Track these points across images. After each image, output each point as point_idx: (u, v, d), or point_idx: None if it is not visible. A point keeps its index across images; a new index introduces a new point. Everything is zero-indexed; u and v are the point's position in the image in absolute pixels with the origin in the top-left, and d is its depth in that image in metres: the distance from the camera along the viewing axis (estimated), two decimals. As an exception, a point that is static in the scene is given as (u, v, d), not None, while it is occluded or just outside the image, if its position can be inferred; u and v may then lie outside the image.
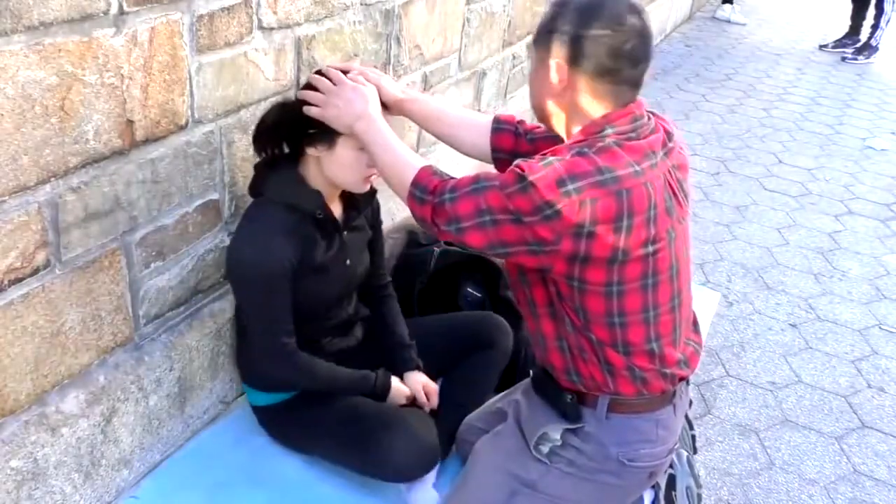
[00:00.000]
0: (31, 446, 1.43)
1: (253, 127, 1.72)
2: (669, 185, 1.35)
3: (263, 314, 1.59)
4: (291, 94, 1.79)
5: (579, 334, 1.38)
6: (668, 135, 1.40)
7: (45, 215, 1.34)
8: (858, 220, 3.97)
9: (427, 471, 1.69)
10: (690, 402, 1.64)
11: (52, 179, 1.33)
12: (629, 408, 1.43)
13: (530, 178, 1.24)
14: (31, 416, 1.44)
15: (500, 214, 1.27)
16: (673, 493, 1.70)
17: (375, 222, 1.86)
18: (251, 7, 1.66)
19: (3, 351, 1.35)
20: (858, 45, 6.76)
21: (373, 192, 1.71)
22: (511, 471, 1.49)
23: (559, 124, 1.41)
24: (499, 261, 2.13)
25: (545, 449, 1.46)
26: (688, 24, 7.43)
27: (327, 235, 1.66)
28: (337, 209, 1.70)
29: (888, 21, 6.49)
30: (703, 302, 2.53)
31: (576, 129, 1.37)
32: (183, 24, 1.50)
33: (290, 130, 1.60)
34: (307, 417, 1.73)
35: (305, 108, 1.54)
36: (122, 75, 1.40)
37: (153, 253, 1.61)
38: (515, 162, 1.29)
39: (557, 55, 1.32)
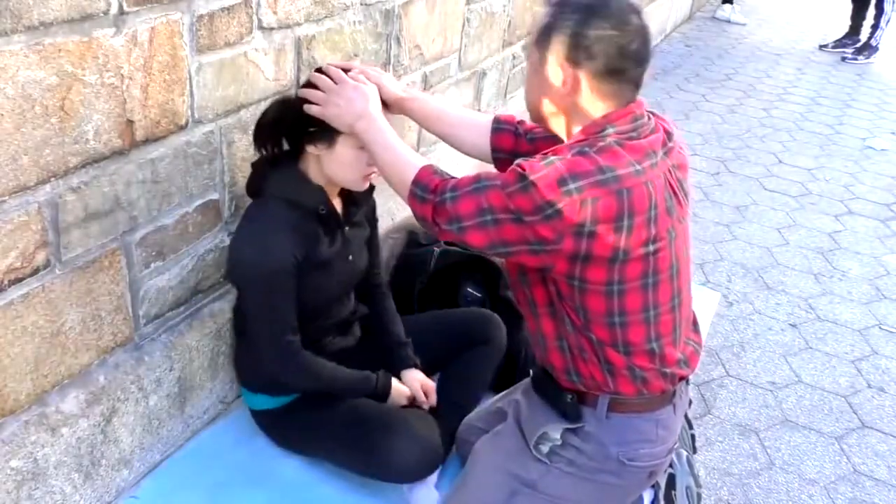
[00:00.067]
0: (31, 446, 1.43)
1: (253, 127, 1.72)
2: (670, 184, 1.35)
3: (268, 313, 1.59)
4: (291, 94, 1.79)
5: (579, 334, 1.38)
6: (668, 134, 1.40)
7: (45, 215, 1.34)
8: (858, 220, 3.97)
9: (430, 472, 1.69)
10: (690, 402, 1.64)
11: (52, 179, 1.33)
12: (629, 407, 1.43)
13: (531, 177, 1.24)
14: (31, 416, 1.44)
15: (502, 214, 1.27)
16: (673, 492, 1.70)
17: (372, 219, 1.87)
18: (251, 7, 1.66)
19: (3, 351, 1.35)
20: (858, 45, 6.77)
21: (371, 188, 1.72)
22: (511, 471, 1.49)
23: (558, 125, 1.40)
24: (499, 261, 2.13)
25: (545, 449, 1.46)
26: (688, 24, 7.43)
27: (330, 231, 1.66)
28: (337, 205, 1.70)
29: (888, 21, 6.49)
30: (703, 302, 2.54)
31: (576, 129, 1.37)
32: (183, 24, 1.50)
33: (290, 128, 1.61)
34: (308, 421, 1.73)
35: (306, 107, 1.54)
36: (122, 75, 1.40)
37: (153, 253, 1.61)
38: (516, 161, 1.28)
39: (561, 55, 1.31)
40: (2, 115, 1.21)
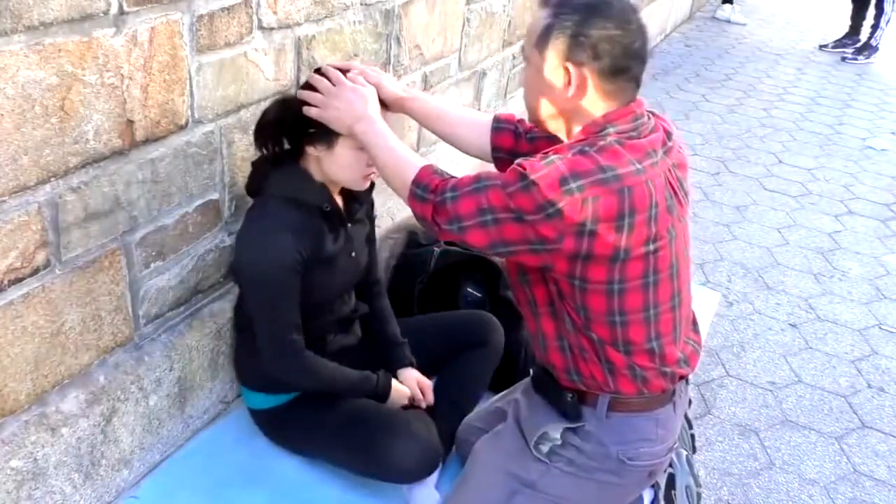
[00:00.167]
0: (31, 446, 1.43)
1: (253, 126, 1.72)
2: (670, 183, 1.35)
3: (270, 313, 1.59)
4: (291, 94, 1.79)
5: (580, 333, 1.38)
6: (668, 134, 1.40)
7: (45, 215, 1.34)
8: (858, 220, 3.97)
9: (429, 472, 1.69)
10: (690, 402, 1.65)
11: (52, 179, 1.33)
12: (629, 407, 1.43)
13: (532, 176, 1.24)
14: (31, 416, 1.44)
15: (502, 213, 1.27)
16: (672, 492, 1.70)
17: (370, 216, 1.87)
18: (251, 7, 1.66)
19: (3, 351, 1.35)
20: (858, 45, 6.77)
21: (371, 186, 1.72)
22: (511, 470, 1.49)
23: (559, 126, 1.40)
24: (499, 261, 2.13)
25: (545, 448, 1.46)
26: (688, 24, 7.43)
27: (334, 228, 1.67)
28: (339, 202, 1.71)
29: (888, 21, 6.49)
30: (703, 302, 2.53)
31: (576, 129, 1.37)
32: (183, 24, 1.50)
33: (290, 128, 1.61)
34: (307, 421, 1.73)
35: (305, 109, 1.55)
36: (122, 75, 1.40)
37: (153, 253, 1.61)
38: (517, 161, 1.28)
39: (562, 56, 1.31)
40: (2, 115, 1.21)
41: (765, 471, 2.31)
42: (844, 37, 6.91)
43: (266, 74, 1.77)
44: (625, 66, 1.31)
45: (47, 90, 1.27)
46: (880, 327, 3.09)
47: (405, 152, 1.46)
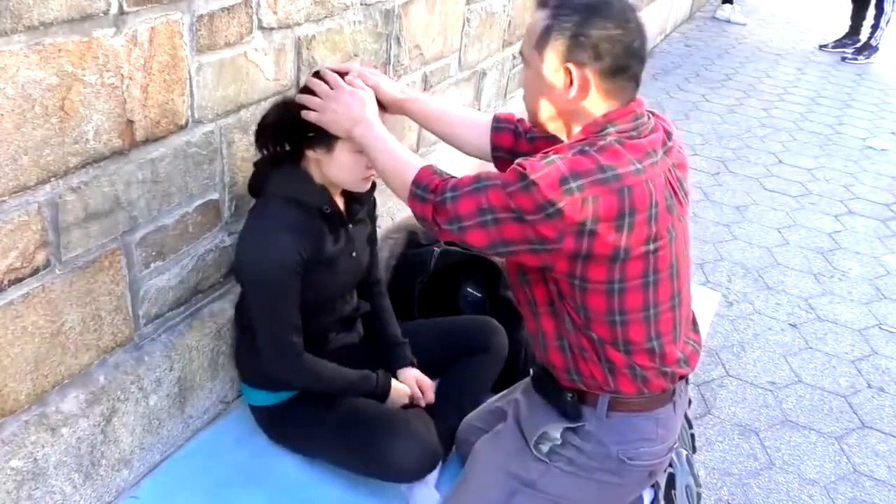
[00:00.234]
0: (31, 446, 1.43)
1: (253, 127, 1.72)
2: (670, 183, 1.35)
3: (271, 313, 1.60)
4: (291, 94, 1.79)
5: (580, 333, 1.38)
6: (668, 134, 1.40)
7: (45, 215, 1.34)
8: (858, 220, 3.97)
9: (429, 471, 1.69)
10: (690, 401, 1.65)
11: (52, 179, 1.33)
12: (629, 406, 1.43)
13: (532, 176, 1.24)
14: (31, 416, 1.44)
15: (502, 213, 1.27)
16: (672, 492, 1.70)
17: (372, 216, 1.87)
18: (251, 7, 1.66)
19: (3, 351, 1.35)
20: (858, 45, 6.77)
21: (373, 186, 1.72)
22: (511, 470, 1.49)
23: (559, 126, 1.40)
24: (499, 261, 2.13)
25: (545, 448, 1.46)
26: (688, 24, 7.43)
27: (335, 229, 1.68)
28: (340, 203, 1.72)
29: (888, 21, 6.49)
30: (703, 302, 2.53)
31: (577, 129, 1.37)
32: (183, 24, 1.50)
33: (290, 131, 1.61)
34: (307, 419, 1.74)
35: (304, 113, 1.55)
36: (122, 75, 1.40)
37: (153, 253, 1.61)
38: (517, 161, 1.28)
39: (563, 57, 1.31)
40: (2, 115, 1.21)
41: (765, 471, 2.31)
42: (844, 37, 6.91)
43: (266, 74, 1.77)
44: (625, 65, 1.31)
45: (47, 90, 1.27)
46: (880, 327, 3.09)
47: (404, 154, 1.46)
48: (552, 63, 1.32)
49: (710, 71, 6.10)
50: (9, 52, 1.19)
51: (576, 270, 1.30)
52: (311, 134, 1.57)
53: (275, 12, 1.73)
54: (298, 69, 1.87)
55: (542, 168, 1.25)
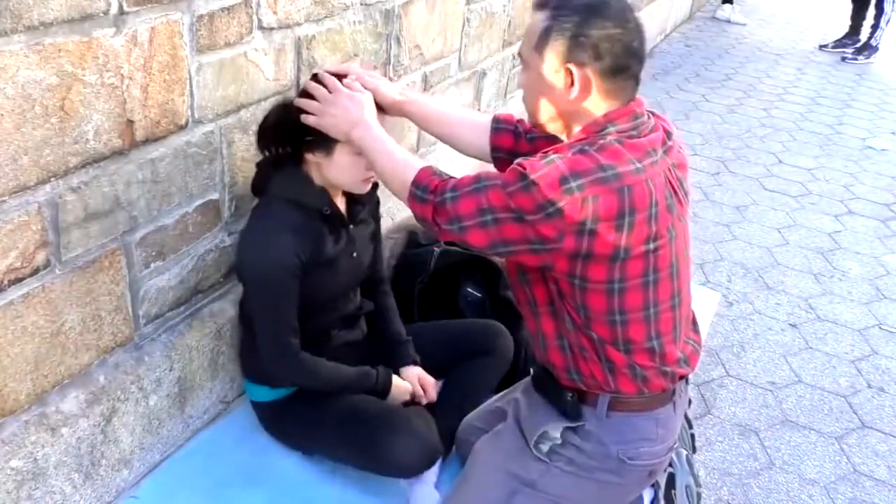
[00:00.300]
0: (31, 446, 1.43)
1: (253, 127, 1.73)
2: (670, 182, 1.35)
3: (271, 313, 1.60)
4: (291, 95, 1.79)
5: (580, 332, 1.38)
6: (668, 134, 1.40)
7: (45, 215, 1.34)
8: (858, 220, 3.97)
9: (428, 467, 1.70)
10: (690, 401, 1.65)
11: (52, 179, 1.33)
12: (629, 406, 1.43)
13: (532, 176, 1.24)
14: (31, 416, 1.44)
15: (502, 213, 1.27)
16: (672, 491, 1.70)
17: (375, 215, 1.88)
18: (251, 7, 1.66)
19: (3, 351, 1.35)
20: (858, 45, 6.77)
21: (375, 185, 1.73)
22: (511, 470, 1.49)
23: (560, 127, 1.40)
24: (499, 260, 2.13)
25: (545, 447, 1.46)
26: (688, 24, 7.43)
27: (335, 230, 1.68)
28: (341, 204, 1.72)
29: (888, 21, 6.49)
30: (703, 302, 2.53)
31: (577, 129, 1.37)
32: (183, 24, 1.50)
33: (289, 134, 1.62)
34: (307, 415, 1.74)
35: (303, 117, 1.56)
36: (122, 75, 1.40)
37: (153, 253, 1.61)
38: (517, 160, 1.29)
39: (563, 58, 1.30)
40: (2, 115, 1.21)
41: (765, 471, 2.31)
42: (844, 37, 6.91)
43: (266, 74, 1.77)
44: (625, 64, 1.31)
45: (47, 90, 1.27)
46: (880, 327, 3.09)
47: (403, 155, 1.46)
48: (552, 64, 1.32)
49: (710, 71, 6.10)
50: (9, 52, 1.19)
51: (576, 270, 1.30)
52: (309, 138, 1.58)
53: (275, 12, 1.73)
54: (298, 69, 1.87)
55: (542, 168, 1.25)
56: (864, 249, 3.68)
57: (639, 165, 1.28)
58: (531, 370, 1.66)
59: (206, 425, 1.87)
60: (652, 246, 1.30)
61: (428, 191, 1.35)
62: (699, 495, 1.81)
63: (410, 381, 1.83)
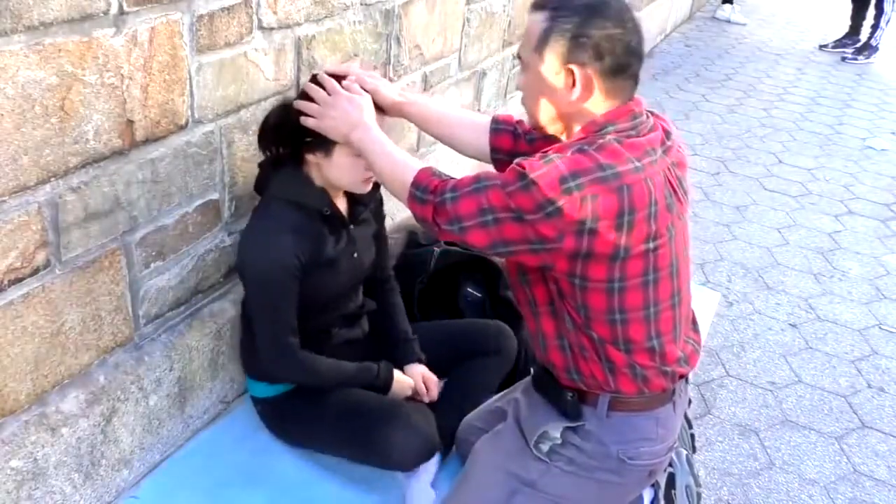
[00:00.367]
0: (31, 446, 1.43)
1: (253, 127, 1.73)
2: (669, 181, 1.35)
3: (271, 313, 1.61)
4: (291, 94, 1.79)
5: (580, 332, 1.38)
6: (667, 133, 1.40)
7: (45, 215, 1.34)
8: (858, 220, 3.97)
9: (427, 459, 1.71)
10: (690, 401, 1.65)
11: (52, 179, 1.33)
12: (629, 406, 1.43)
13: (531, 175, 1.24)
14: (31, 416, 1.44)
15: (502, 213, 1.27)
16: (672, 491, 1.70)
17: (379, 214, 1.88)
18: (251, 7, 1.66)
19: (3, 351, 1.35)
20: (858, 45, 6.77)
21: (376, 185, 1.73)
22: (511, 470, 1.49)
23: (560, 128, 1.40)
24: (499, 260, 2.14)
25: (545, 447, 1.46)
26: (688, 24, 7.43)
27: (335, 231, 1.68)
28: (342, 204, 1.72)
29: (888, 21, 6.49)
30: (703, 302, 2.53)
31: (577, 129, 1.37)
32: (183, 24, 1.50)
33: (289, 135, 1.62)
34: (307, 410, 1.74)
35: (302, 120, 1.56)
36: (122, 75, 1.40)
37: (153, 253, 1.61)
38: (516, 160, 1.29)
39: (564, 58, 1.30)
40: (2, 115, 1.21)
41: (765, 471, 2.31)
42: (844, 37, 6.91)
43: (266, 74, 1.77)
44: (625, 64, 1.32)
45: (47, 90, 1.27)
46: (880, 327, 3.10)
47: (403, 157, 1.46)
48: (553, 65, 1.32)
49: (710, 71, 6.10)
50: (9, 52, 1.19)
51: (576, 269, 1.30)
52: (308, 138, 1.58)
53: (275, 12, 1.73)
54: (298, 69, 1.87)
55: (542, 167, 1.25)
56: (864, 249, 3.69)
57: (638, 164, 1.28)
58: (531, 370, 1.66)
59: (206, 425, 1.87)
60: (652, 245, 1.30)
61: (428, 191, 1.35)
62: (699, 495, 1.81)
63: (414, 378, 1.83)
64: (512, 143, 1.64)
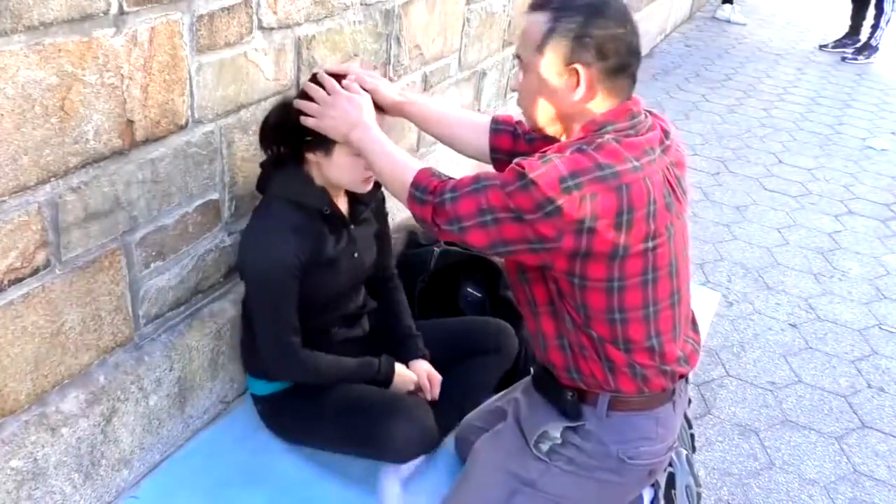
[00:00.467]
0: (31, 446, 1.43)
1: (253, 127, 1.73)
2: (668, 181, 1.35)
3: (272, 312, 1.61)
4: (291, 94, 1.79)
5: (580, 331, 1.38)
6: (665, 132, 1.40)
7: (45, 215, 1.34)
8: (858, 220, 3.97)
9: (427, 451, 1.72)
10: (689, 401, 1.65)
11: (52, 179, 1.33)
12: (629, 405, 1.43)
13: (531, 175, 1.24)
14: (31, 416, 1.44)
15: (502, 213, 1.27)
16: (672, 491, 1.70)
17: (380, 214, 1.88)
18: (251, 7, 1.66)
19: (3, 351, 1.35)
20: (858, 45, 6.76)
21: (377, 185, 1.73)
22: (511, 470, 1.49)
23: (559, 129, 1.40)
24: (498, 260, 2.14)
25: (545, 447, 1.46)
26: (688, 24, 7.43)
27: (336, 230, 1.68)
28: (343, 204, 1.72)
29: (888, 21, 6.49)
30: (703, 302, 2.53)
31: (577, 129, 1.37)
32: (183, 24, 1.50)
33: (289, 134, 1.62)
34: (306, 408, 1.75)
35: (302, 119, 1.56)
36: (122, 75, 1.40)
37: (153, 253, 1.61)
38: (515, 160, 1.29)
39: (568, 59, 1.30)
40: (2, 115, 1.21)
41: (765, 471, 2.31)
42: (844, 37, 6.91)
43: (266, 74, 1.77)
44: (626, 63, 1.32)
45: (47, 90, 1.27)
46: (880, 327, 3.09)
47: (402, 157, 1.46)
48: (555, 65, 1.32)
49: (710, 71, 6.09)
50: (9, 52, 1.19)
51: (575, 269, 1.30)
52: (308, 138, 1.58)
53: (275, 12, 1.73)
54: (298, 69, 1.87)
55: (541, 167, 1.25)
56: (864, 249, 3.68)
57: (636, 164, 1.28)
58: (531, 370, 1.66)
59: (206, 425, 1.87)
60: (651, 244, 1.30)
61: (427, 192, 1.35)
62: (699, 495, 1.81)
63: (418, 374, 1.83)
64: (511, 143, 1.64)
